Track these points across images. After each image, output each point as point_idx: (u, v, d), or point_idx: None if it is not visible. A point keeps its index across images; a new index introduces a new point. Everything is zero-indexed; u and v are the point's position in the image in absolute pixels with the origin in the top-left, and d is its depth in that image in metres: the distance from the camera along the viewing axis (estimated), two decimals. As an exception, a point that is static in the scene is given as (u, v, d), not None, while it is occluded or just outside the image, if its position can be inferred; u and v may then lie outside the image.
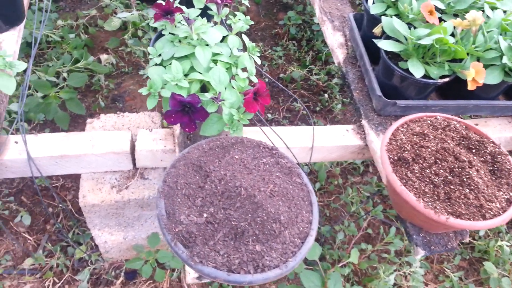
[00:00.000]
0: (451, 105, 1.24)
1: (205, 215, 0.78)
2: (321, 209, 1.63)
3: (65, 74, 1.86)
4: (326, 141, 1.23)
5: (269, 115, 1.88)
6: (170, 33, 1.03)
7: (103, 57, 2.05)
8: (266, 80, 2.02)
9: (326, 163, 1.67)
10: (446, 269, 1.50)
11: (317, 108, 1.94)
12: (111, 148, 1.09)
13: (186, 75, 0.96)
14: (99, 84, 1.92)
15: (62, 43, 2.06)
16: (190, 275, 0.92)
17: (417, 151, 0.96)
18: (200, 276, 0.93)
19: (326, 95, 1.94)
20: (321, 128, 1.26)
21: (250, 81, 1.03)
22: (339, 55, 1.45)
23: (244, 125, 1.06)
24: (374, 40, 1.23)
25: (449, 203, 0.90)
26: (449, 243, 1.05)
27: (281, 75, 2.03)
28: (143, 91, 0.95)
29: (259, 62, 1.06)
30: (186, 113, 0.92)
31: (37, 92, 1.71)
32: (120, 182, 1.14)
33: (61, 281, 1.38)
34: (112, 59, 2.02)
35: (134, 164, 1.15)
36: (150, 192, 1.13)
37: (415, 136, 1.00)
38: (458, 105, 1.24)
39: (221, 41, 1.04)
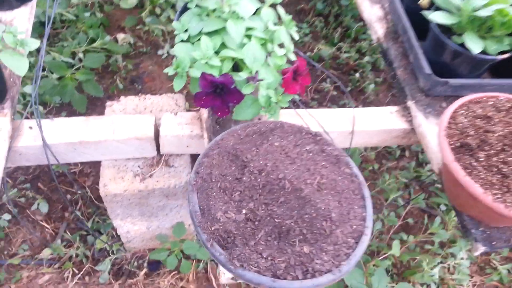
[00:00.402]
0: (508, 83, 1.10)
1: (244, 211, 0.68)
2: (355, 197, 1.52)
3: (81, 55, 1.76)
4: (367, 125, 1.11)
5: (296, 96, 1.76)
6: (197, 6, 0.92)
7: (120, 36, 1.94)
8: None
9: (360, 147, 1.55)
10: (493, 261, 1.38)
11: (348, 89, 1.81)
12: (133, 134, 1.00)
13: (216, 53, 0.85)
14: (117, 64, 1.82)
15: (77, 22, 1.96)
16: (225, 275, 0.83)
17: (482, 137, 0.84)
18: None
19: (357, 75, 1.81)
20: (362, 110, 1.14)
21: (288, 59, 0.92)
22: (378, 29, 1.31)
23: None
24: (423, 12, 1.09)
25: (520, 196, 0.78)
26: (512, 239, 0.94)
27: (308, 53, 1.90)
28: (170, 70, 0.84)
29: (296, 37, 0.94)
30: (218, 95, 0.81)
31: (52, 73, 1.62)
32: (144, 170, 1.05)
33: (81, 272, 1.32)
34: (129, 38, 1.91)
35: (158, 151, 1.06)
36: (176, 180, 1.04)
37: (478, 119, 0.87)
38: (517, 84, 1.10)
39: (254, 14, 0.92)
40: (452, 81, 1.06)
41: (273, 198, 0.70)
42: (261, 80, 0.79)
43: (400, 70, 1.19)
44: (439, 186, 1.56)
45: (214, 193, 0.70)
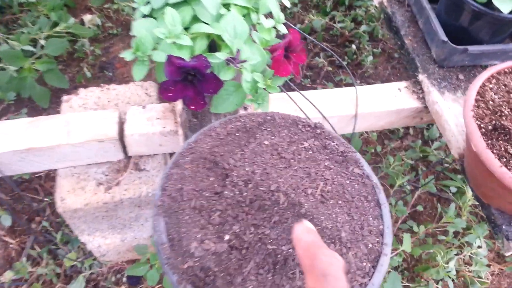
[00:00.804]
0: (535, 48, 0.93)
1: (227, 237, 0.52)
2: (358, 184, 1.37)
3: (42, 42, 1.56)
4: (372, 106, 0.94)
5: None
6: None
7: (87, 17, 1.73)
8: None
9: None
10: (513, 248, 1.25)
11: (344, 62, 1.63)
12: (92, 135, 0.82)
13: (187, 29, 0.67)
14: (83, 50, 1.62)
15: (38, 5, 1.74)
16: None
17: (520, 117, 0.68)
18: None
19: (353, 46, 1.63)
20: (365, 88, 0.97)
21: (277, 33, 0.74)
22: (378, -8, 1.13)
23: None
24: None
25: None
26: (552, 234, 0.79)
27: (298, 25, 1.71)
28: (127, 55, 0.66)
29: (288, 3, 0.76)
30: (190, 83, 0.64)
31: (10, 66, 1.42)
32: (109, 176, 0.88)
33: (52, 293, 1.16)
34: (97, 19, 1.71)
35: (126, 153, 0.89)
36: (149, 187, 0.87)
37: (512, 95, 0.71)
38: (544, 48, 0.94)
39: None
40: (473, 48, 0.89)
41: (264, 217, 0.53)
42: (244, 61, 0.61)
43: (409, 39, 1.02)
44: (448, 166, 1.41)
45: (187, 216, 0.53)
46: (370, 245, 0.55)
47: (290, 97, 0.92)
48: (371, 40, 1.69)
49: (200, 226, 0.53)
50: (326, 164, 0.62)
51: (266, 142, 0.62)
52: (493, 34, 0.92)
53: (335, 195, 0.58)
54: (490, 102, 0.71)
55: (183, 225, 0.53)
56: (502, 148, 0.66)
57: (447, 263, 1.11)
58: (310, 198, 0.55)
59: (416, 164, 1.43)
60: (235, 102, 0.69)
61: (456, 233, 1.27)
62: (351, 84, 1.61)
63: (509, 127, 0.67)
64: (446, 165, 1.38)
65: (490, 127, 0.68)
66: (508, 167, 0.65)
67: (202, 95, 0.64)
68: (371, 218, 0.58)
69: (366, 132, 1.47)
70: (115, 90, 0.99)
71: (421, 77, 0.95)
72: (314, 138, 0.64)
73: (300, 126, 0.65)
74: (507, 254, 0.80)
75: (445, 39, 0.90)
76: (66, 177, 0.90)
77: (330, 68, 1.60)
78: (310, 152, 0.63)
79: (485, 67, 0.99)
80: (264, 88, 0.67)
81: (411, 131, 1.53)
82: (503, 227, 0.78)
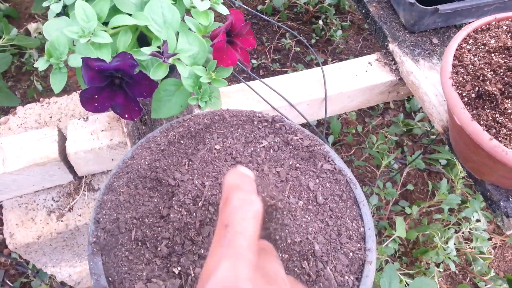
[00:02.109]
0: (512, -1, 0.85)
1: (177, 270, 0.43)
2: (342, 169, 1.28)
3: (-15, 58, 1.43)
4: (343, 85, 0.85)
5: (253, 61, 1.48)
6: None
7: (32, 26, 1.60)
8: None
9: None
10: None
11: (312, 41, 1.53)
12: (30, 159, 0.72)
13: (107, 24, 0.56)
14: (32, 62, 1.50)
15: (-23, 19, 1.60)
16: None
17: (506, 78, 0.59)
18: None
19: (320, 22, 1.53)
20: (332, 67, 0.88)
21: (218, 16, 0.64)
22: (335, -41, 1.03)
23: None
24: None
25: None
26: (554, 203, 0.71)
27: (259, 6, 1.60)
28: (41, 64, 0.56)
29: (225, -19, 0.66)
30: (118, 88, 0.54)
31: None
32: (60, 202, 0.78)
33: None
34: (42, 27, 1.57)
35: (75, 173, 0.79)
36: (107, 208, 0.77)
37: (494, 54, 0.62)
38: (522, -3, 0.85)
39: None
40: (444, 7, 0.80)
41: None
42: (174, 54, 0.51)
43: (373, 6, 0.92)
44: (434, 137, 1.33)
45: (127, 252, 0.44)
46: (351, 254, 0.47)
47: (250, 88, 0.82)
48: (338, 13, 1.59)
49: (145, 262, 0.44)
50: (290, 163, 0.52)
51: (217, 147, 0.52)
52: (464, -11, 0.84)
53: (304, 200, 0.49)
54: (470, 66, 0.62)
55: (124, 263, 0.43)
56: (490, 118, 0.58)
57: (446, 243, 1.04)
58: (274, 210, 0.46)
59: (401, 140, 1.35)
60: (179, 103, 0.59)
61: (452, 209, 1.20)
62: (323, 63, 1.52)
63: (495, 92, 0.58)
64: (432, 137, 1.30)
65: (473, 95, 0.60)
66: (499, 139, 0.57)
67: (135, 100, 0.54)
68: (349, 220, 0.50)
69: (344, 112, 1.38)
70: (56, 103, 0.88)
71: (392, 46, 0.86)
72: (273, 134, 0.55)
73: (255, 123, 0.55)
74: (508, 232, 0.72)
75: (412, 0, 0.81)
76: (13, 209, 0.79)
77: (298, 49, 1.50)
78: (271, 151, 0.54)
79: (460, 27, 0.90)
80: (209, 83, 0.57)
81: (391, 104, 1.45)
82: (501, 203, 0.70)
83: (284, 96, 0.82)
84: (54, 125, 0.76)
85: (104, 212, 0.46)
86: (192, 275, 0.42)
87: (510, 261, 1.15)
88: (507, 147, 0.56)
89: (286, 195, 0.48)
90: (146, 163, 0.50)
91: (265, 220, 0.45)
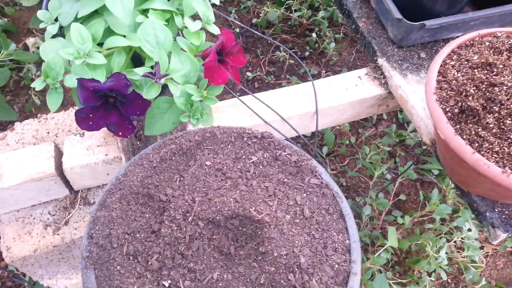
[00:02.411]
0: (497, 13, 0.87)
1: (167, 283, 0.44)
2: (336, 179, 1.30)
3: (-16, 73, 1.45)
4: (333, 99, 0.87)
5: (248, 73, 1.51)
6: (68, -18, 0.64)
7: (30, 41, 1.62)
8: (237, 30, 1.62)
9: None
10: (503, 224, 1.19)
11: (306, 53, 1.56)
12: (27, 175, 0.74)
13: (101, 44, 0.59)
14: (30, 76, 1.52)
15: (-24, 34, 1.62)
16: None
17: (488, 93, 0.61)
18: None
19: (313, 35, 1.56)
20: (324, 81, 0.90)
21: (209, 34, 0.66)
22: (326, -24, 1.06)
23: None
24: None
25: (551, 166, 0.57)
26: (539, 214, 0.73)
27: (254, 20, 1.63)
28: (37, 84, 0.58)
29: (217, 1, 0.68)
30: (112, 107, 0.56)
31: None
32: (56, 216, 0.80)
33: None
34: (40, 42, 1.60)
35: (71, 187, 0.80)
36: (102, 222, 0.78)
37: (477, 70, 0.65)
38: (506, 12, 0.88)
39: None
40: (430, 22, 0.83)
41: (207, 256, 0.46)
42: (166, 75, 0.53)
43: (362, 21, 0.95)
44: (426, 148, 1.35)
45: (119, 266, 0.45)
46: (336, 266, 0.48)
47: (243, 102, 0.84)
48: (331, 26, 1.62)
49: (136, 275, 0.45)
50: (279, 178, 0.54)
51: (207, 163, 0.54)
52: (449, 4, 0.86)
53: (291, 214, 0.50)
54: (454, 81, 0.65)
55: (116, 277, 0.45)
56: (473, 132, 0.60)
57: (438, 252, 1.05)
58: (261, 225, 0.47)
59: (394, 150, 1.37)
60: (172, 120, 0.61)
61: (443, 219, 1.22)
62: (317, 75, 1.54)
63: (477, 107, 0.60)
64: (424, 147, 1.32)
65: (456, 110, 0.62)
66: (482, 152, 0.59)
67: (129, 118, 0.55)
68: (335, 233, 0.51)
69: (338, 124, 1.40)
70: (54, 119, 0.90)
71: (381, 61, 0.89)
72: (263, 150, 0.57)
73: (245, 139, 0.57)
74: (494, 242, 0.74)
75: (400, 16, 0.83)
76: (10, 223, 0.81)
77: (292, 61, 1.53)
78: (260, 166, 0.55)
79: (448, 41, 0.93)
80: (200, 100, 0.59)
81: (384, 115, 1.47)
82: (487, 214, 0.72)
83: (276, 111, 0.84)
84: (51, 141, 0.78)
85: (97, 227, 0.48)
86: (190, 285, 0.44)
87: (502, 269, 1.17)
88: (489, 160, 0.58)
89: (273, 210, 0.49)
90: (139, 179, 0.51)
91: (252, 235, 0.47)
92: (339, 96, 0.87)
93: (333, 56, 1.55)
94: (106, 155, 0.76)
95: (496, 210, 0.72)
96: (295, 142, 1.23)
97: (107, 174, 0.80)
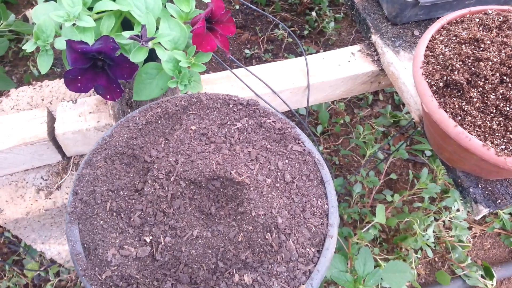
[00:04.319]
0: (493, -8, 0.87)
1: (149, 238, 0.46)
2: (329, 158, 1.31)
3: (-17, 43, 1.45)
4: (326, 74, 0.88)
5: (246, 51, 1.51)
6: None
7: (30, 12, 1.62)
8: (237, 7, 1.61)
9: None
10: (491, 206, 1.21)
11: (305, 32, 1.55)
12: (20, 139, 0.75)
13: (91, 9, 0.59)
14: (29, 47, 1.52)
15: (-24, 4, 1.62)
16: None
17: (473, 68, 0.62)
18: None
19: (313, 14, 1.55)
20: (317, 57, 0.90)
21: (200, 3, 0.67)
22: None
23: (201, 73, 0.71)
24: None
25: (532, 141, 0.58)
26: (521, 191, 0.74)
27: (254, -3, 1.62)
28: (28, 46, 0.59)
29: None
30: (101, 70, 0.57)
31: None
32: (49, 181, 0.81)
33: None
34: (39, 13, 1.60)
35: (64, 153, 0.82)
36: (94, 188, 0.80)
37: (463, 45, 0.65)
38: (502, -8, 0.88)
39: None
40: (424, 0, 0.83)
41: (188, 215, 0.47)
42: (153, 38, 0.54)
43: (358, -2, 0.94)
44: (418, 129, 1.36)
45: (102, 221, 0.47)
46: (314, 228, 0.50)
47: (235, 75, 0.85)
48: (332, 5, 1.61)
49: (118, 231, 0.47)
50: (262, 144, 0.55)
51: (193, 128, 0.55)
52: (446, -18, 0.86)
53: (272, 178, 0.52)
54: (441, 56, 0.65)
55: (99, 231, 0.47)
56: (456, 106, 0.61)
57: (426, 230, 1.07)
58: (242, 186, 0.49)
59: (388, 131, 1.38)
60: (160, 86, 0.62)
61: (434, 199, 1.23)
62: (312, 52, 1.54)
63: (461, 81, 0.61)
64: (418, 129, 1.33)
65: (441, 84, 0.62)
66: (464, 126, 0.60)
67: (116, 82, 0.56)
68: (314, 198, 0.53)
69: (333, 103, 1.41)
70: (48, 86, 0.91)
71: (374, 37, 0.89)
72: (248, 117, 0.58)
73: (231, 106, 0.58)
74: (476, 217, 0.75)
75: (394, -7, 0.83)
76: (3, 186, 0.82)
77: (290, 40, 1.53)
78: (245, 133, 0.57)
79: (442, 20, 0.93)
80: (188, 67, 0.60)
81: (380, 96, 1.48)
82: (470, 189, 0.74)
83: (267, 84, 0.84)
84: (45, 107, 0.79)
85: (82, 184, 0.49)
86: (163, 243, 0.46)
87: (488, 249, 1.19)
88: (471, 134, 0.59)
89: (254, 173, 0.51)
90: (124, 140, 0.53)
91: (232, 195, 0.48)
92: (331, 72, 0.88)
93: (332, 36, 1.55)
94: (98, 121, 0.77)
95: (480, 186, 0.74)
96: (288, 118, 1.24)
97: (99, 141, 0.81)
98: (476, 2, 0.89)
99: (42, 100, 0.89)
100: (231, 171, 0.49)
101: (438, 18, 0.93)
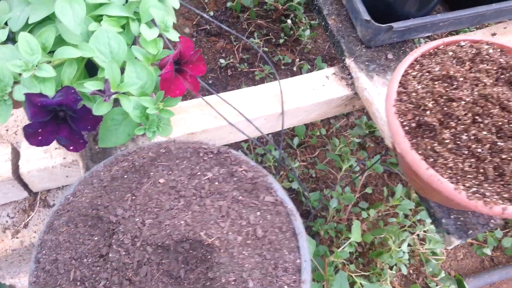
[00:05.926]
0: (465, 15, 0.87)
1: (117, 310, 0.45)
2: (305, 171, 1.31)
3: None
4: (300, 99, 0.87)
5: (222, 60, 1.48)
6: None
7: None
8: (211, 13, 1.57)
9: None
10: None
11: (281, 40, 1.53)
12: (-19, 178, 0.71)
13: (53, 52, 0.56)
14: None
15: None
16: None
17: (445, 108, 0.62)
18: None
19: (289, 21, 1.53)
20: (290, 81, 0.89)
21: (168, 42, 0.64)
22: (298, -34, 1.03)
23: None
24: None
25: (502, 183, 0.58)
26: (492, 220, 0.76)
27: (228, 3, 1.58)
28: (-16, 94, 0.55)
29: (177, 5, 0.66)
30: (62, 121, 0.54)
31: None
32: (15, 219, 0.78)
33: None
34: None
35: (30, 190, 0.79)
36: (63, 224, 0.78)
37: (436, 83, 0.65)
38: (475, 14, 0.87)
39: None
40: (397, 25, 0.82)
41: (156, 282, 0.46)
42: (116, 92, 0.52)
43: (332, 19, 0.93)
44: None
45: (65, 293, 0.45)
46: (286, 287, 0.49)
47: (207, 103, 0.82)
48: (307, 12, 1.60)
49: (83, 301, 0.45)
50: (233, 195, 0.54)
51: (161, 181, 0.53)
52: (420, 5, 0.85)
53: (243, 235, 0.51)
54: (413, 94, 0.65)
55: (63, 303, 0.45)
56: (429, 147, 0.61)
57: (400, 246, 1.09)
58: (212, 248, 0.48)
59: (364, 141, 1.38)
60: (127, 132, 0.59)
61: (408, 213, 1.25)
62: (291, 64, 1.52)
63: (434, 123, 0.61)
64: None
65: (413, 124, 0.62)
66: (436, 168, 0.59)
67: (80, 133, 0.54)
68: (286, 252, 0.52)
69: (310, 114, 1.40)
70: (13, 115, 0.87)
71: (348, 61, 0.88)
72: (219, 165, 0.57)
73: (201, 154, 0.57)
74: (449, 247, 0.76)
75: (368, 17, 0.82)
76: (-33, 224, 0.79)
77: (266, 49, 1.51)
78: (216, 183, 0.55)
79: (418, 41, 0.93)
80: (156, 112, 0.58)
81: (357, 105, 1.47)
82: (443, 220, 0.74)
83: (241, 112, 0.83)
84: (8, 143, 0.76)
85: (44, 252, 0.47)
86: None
87: (461, 260, 1.22)
88: (443, 176, 0.59)
89: (225, 232, 0.49)
90: (88, 200, 0.50)
91: (201, 259, 0.47)
92: (306, 97, 0.87)
93: (308, 44, 1.53)
94: (64, 158, 0.74)
95: (452, 216, 0.74)
96: (262, 143, 1.23)
97: (66, 176, 0.78)
98: (449, 24, 0.89)
99: (7, 130, 0.85)
100: (200, 233, 0.48)
101: (412, 40, 0.93)
